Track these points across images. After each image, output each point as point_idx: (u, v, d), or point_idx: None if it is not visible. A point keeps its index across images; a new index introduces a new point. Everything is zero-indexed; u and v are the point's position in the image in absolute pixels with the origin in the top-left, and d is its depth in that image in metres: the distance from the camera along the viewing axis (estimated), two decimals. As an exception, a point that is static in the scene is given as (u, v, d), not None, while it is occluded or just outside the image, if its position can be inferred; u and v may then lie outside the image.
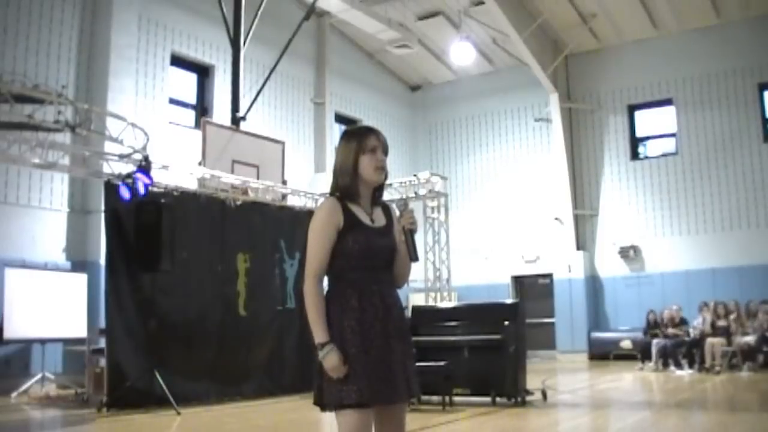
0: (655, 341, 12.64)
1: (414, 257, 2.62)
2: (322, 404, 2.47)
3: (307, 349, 9.01)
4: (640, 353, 13.13)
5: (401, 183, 12.22)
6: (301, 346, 9.63)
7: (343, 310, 2.50)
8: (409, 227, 2.59)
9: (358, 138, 2.60)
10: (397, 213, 2.67)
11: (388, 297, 2.60)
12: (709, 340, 11.93)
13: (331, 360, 2.41)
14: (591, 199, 16.87)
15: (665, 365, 12.37)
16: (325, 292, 2.57)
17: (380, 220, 2.64)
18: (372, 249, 2.54)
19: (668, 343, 12.49)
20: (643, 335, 13.17)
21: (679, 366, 12.25)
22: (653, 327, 13.04)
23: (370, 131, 2.64)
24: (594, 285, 16.47)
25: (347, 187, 2.58)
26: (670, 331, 12.69)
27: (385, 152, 2.62)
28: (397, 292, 2.71)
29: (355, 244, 2.51)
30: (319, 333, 2.45)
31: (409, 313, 10.15)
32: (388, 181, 2.84)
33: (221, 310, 9.03)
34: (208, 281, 8.92)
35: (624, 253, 16.15)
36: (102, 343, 8.64)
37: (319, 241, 2.51)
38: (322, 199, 10.44)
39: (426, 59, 18.12)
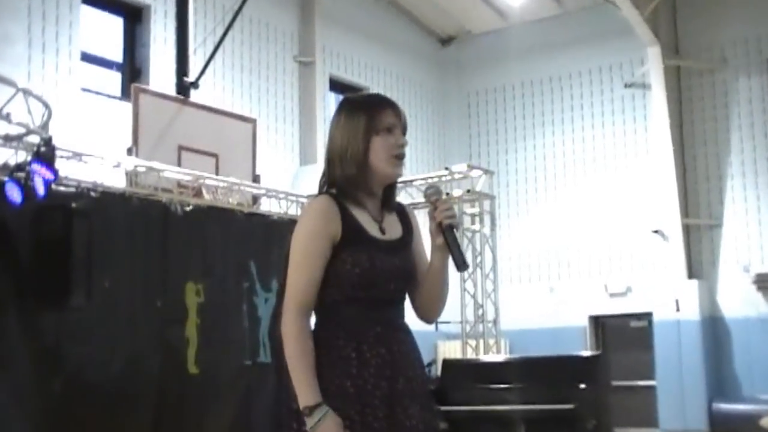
0: (821, 419, 12.57)
1: (462, 264, 2.63)
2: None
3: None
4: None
5: (425, 180, 12.18)
6: (278, 414, 9.61)
7: (333, 363, 2.54)
8: (447, 222, 2.58)
9: (369, 110, 2.66)
10: (411, 212, 2.65)
11: (401, 344, 2.63)
12: None
13: (327, 431, 2.43)
14: (710, 203, 16.79)
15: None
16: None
17: (394, 230, 2.68)
18: (377, 273, 2.57)
19: (844, 424, 12.41)
20: None
21: None
22: None
23: (384, 102, 2.72)
24: (715, 330, 16.37)
25: (351, 179, 2.62)
26: None
27: (404, 134, 2.70)
28: (414, 338, 2.68)
29: (355, 266, 2.54)
30: (306, 392, 2.50)
31: (437, 370, 10.11)
32: (406, 178, 2.82)
33: (161, 364, 9.05)
34: (143, 323, 8.95)
35: (762, 282, 16.03)
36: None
37: (306, 259, 2.54)
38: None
39: (463, -2, 18.17)
